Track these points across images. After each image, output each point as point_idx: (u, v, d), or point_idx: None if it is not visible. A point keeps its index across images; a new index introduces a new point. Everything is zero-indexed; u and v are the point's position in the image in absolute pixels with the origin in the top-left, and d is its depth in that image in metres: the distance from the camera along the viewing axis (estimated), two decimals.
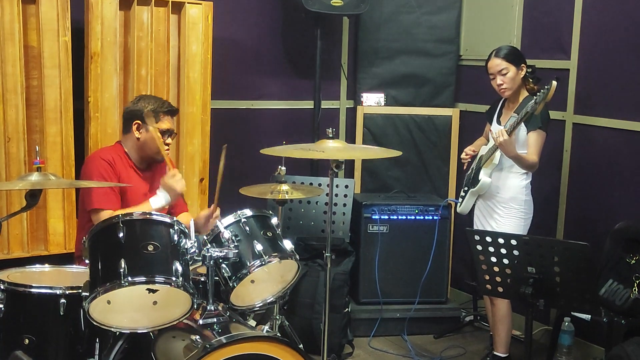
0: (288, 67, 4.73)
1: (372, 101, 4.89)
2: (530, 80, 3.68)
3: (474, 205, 3.90)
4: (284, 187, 3.46)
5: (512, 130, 3.49)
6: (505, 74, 3.62)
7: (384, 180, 4.88)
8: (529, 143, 3.57)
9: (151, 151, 3.35)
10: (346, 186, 4.37)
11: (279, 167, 3.53)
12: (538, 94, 3.42)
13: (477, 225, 3.85)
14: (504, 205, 3.69)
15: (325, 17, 4.46)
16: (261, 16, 4.58)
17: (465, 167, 4.01)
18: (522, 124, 3.56)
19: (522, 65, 3.65)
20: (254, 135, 4.63)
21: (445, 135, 4.86)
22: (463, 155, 3.91)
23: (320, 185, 4.30)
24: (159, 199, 3.22)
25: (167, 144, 3.38)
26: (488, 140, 4.00)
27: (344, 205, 4.35)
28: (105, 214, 3.11)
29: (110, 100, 3.83)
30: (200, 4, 4.02)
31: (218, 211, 3.32)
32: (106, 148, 3.46)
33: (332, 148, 3.07)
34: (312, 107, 4.67)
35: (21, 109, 3.61)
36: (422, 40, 4.84)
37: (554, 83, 3.35)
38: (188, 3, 3.99)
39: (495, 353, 3.81)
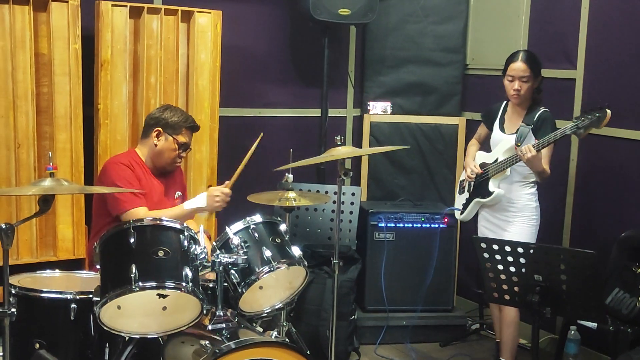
0: (295, 75, 4.77)
1: (379, 109, 4.92)
2: (536, 90, 3.70)
3: (476, 212, 3.93)
4: (291, 194, 3.49)
5: (542, 147, 3.47)
6: (526, 82, 3.62)
7: (390, 188, 4.91)
8: (542, 154, 3.57)
9: (165, 160, 3.41)
10: (353, 194, 4.39)
11: (286, 174, 3.56)
12: (582, 118, 3.35)
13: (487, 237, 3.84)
14: (516, 214, 3.72)
15: (332, 26, 4.50)
16: (269, 25, 4.63)
17: (463, 183, 4.03)
18: (533, 136, 3.59)
19: (539, 77, 3.67)
20: (262, 142, 4.62)
21: (452, 144, 4.89)
22: (470, 174, 3.87)
23: (327, 192, 4.33)
24: (195, 202, 3.27)
25: (181, 157, 3.43)
26: (480, 144, 4.03)
27: (351, 212, 4.37)
28: (141, 211, 3.17)
29: (119, 108, 3.87)
30: (210, 12, 4.07)
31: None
32: (122, 154, 3.50)
33: (342, 154, 3.10)
34: (319, 115, 4.70)
35: (31, 115, 3.66)
36: (429, 49, 4.87)
37: (609, 112, 3.28)
38: (197, 12, 4.04)
39: (501, 359, 3.82)
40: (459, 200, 4.04)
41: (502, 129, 3.82)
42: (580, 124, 3.36)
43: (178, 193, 3.54)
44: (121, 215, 3.23)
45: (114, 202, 3.24)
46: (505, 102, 3.86)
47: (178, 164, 3.49)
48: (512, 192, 3.73)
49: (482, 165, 3.84)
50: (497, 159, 3.75)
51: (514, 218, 3.73)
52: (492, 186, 3.75)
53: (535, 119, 3.64)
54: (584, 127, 3.35)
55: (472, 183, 3.89)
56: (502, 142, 3.76)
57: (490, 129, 3.91)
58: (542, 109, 3.67)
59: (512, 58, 3.68)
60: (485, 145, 4.01)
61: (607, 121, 3.31)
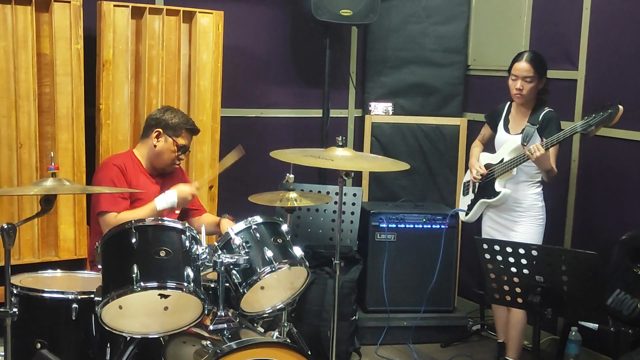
0: (297, 76, 4.78)
1: (380, 110, 4.93)
2: (542, 91, 3.71)
3: (481, 214, 3.93)
4: (293, 194, 3.49)
5: (551, 146, 3.49)
6: (529, 82, 3.63)
7: (392, 188, 4.91)
8: (549, 153, 3.58)
9: (164, 161, 3.42)
10: (354, 194, 4.40)
11: (287, 174, 3.56)
12: (593, 115, 3.35)
13: (493, 237, 3.84)
14: (523, 214, 3.73)
15: (334, 26, 4.50)
16: (271, 25, 4.63)
17: (467, 184, 4.03)
18: (538, 135, 3.59)
19: (544, 78, 3.68)
20: (263, 143, 4.65)
21: (453, 145, 4.89)
22: (476, 176, 3.87)
23: (328, 193, 4.33)
24: (165, 199, 3.26)
25: (180, 159, 3.44)
26: (484, 145, 4.03)
27: (352, 213, 4.37)
28: (112, 216, 3.17)
29: (121, 108, 3.87)
30: (211, 13, 4.07)
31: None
32: (118, 154, 3.51)
33: (341, 157, 3.10)
34: (321, 115, 4.71)
35: (33, 115, 3.66)
36: (430, 50, 4.88)
37: (621, 108, 3.29)
38: (199, 12, 4.04)
39: (507, 358, 3.82)
40: (464, 201, 4.04)
41: (506, 130, 3.82)
42: (592, 121, 3.35)
43: None
44: (98, 214, 3.26)
45: (96, 201, 3.28)
46: (509, 102, 3.86)
47: (177, 166, 3.50)
48: (518, 192, 3.73)
49: (487, 166, 3.84)
50: (502, 159, 3.75)
51: (520, 218, 3.73)
52: (498, 186, 3.75)
53: (540, 119, 3.64)
54: (595, 124, 3.35)
55: (477, 184, 3.89)
56: (508, 142, 3.76)
57: (495, 130, 3.91)
58: (547, 109, 3.68)
59: (517, 58, 3.70)
60: (488, 147, 4.02)
61: (619, 117, 3.30)
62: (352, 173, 3.13)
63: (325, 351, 3.85)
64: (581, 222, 4.17)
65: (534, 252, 2.91)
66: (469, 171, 4.01)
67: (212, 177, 3.43)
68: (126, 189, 3.27)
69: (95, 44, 3.81)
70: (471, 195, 3.96)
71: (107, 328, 2.62)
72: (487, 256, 3.02)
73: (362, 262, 4.30)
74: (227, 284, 2.86)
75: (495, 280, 3.05)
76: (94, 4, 3.80)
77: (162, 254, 2.64)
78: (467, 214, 3.98)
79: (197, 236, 2.79)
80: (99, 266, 2.70)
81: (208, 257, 2.75)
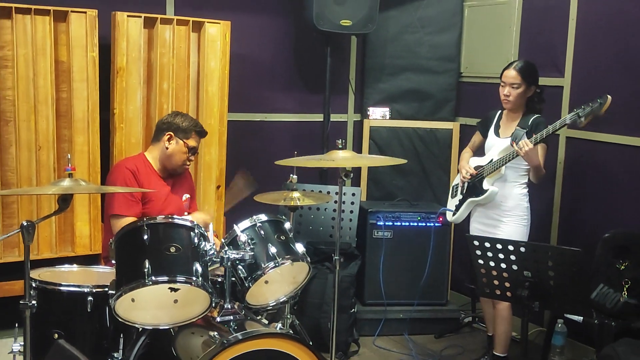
0: (299, 82, 4.79)
1: (378, 115, 4.94)
2: (535, 99, 3.71)
3: (468, 214, 3.93)
4: (296, 194, 3.50)
5: (540, 140, 3.48)
6: (515, 88, 3.64)
7: (389, 189, 4.92)
8: (538, 154, 3.59)
9: (175, 162, 3.42)
10: (353, 194, 4.40)
11: (291, 175, 3.57)
12: (583, 107, 3.34)
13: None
14: (509, 213, 3.71)
15: (334, 36, 4.52)
16: (275, 35, 4.65)
17: (456, 187, 4.03)
18: (527, 138, 3.59)
19: (533, 86, 3.67)
20: (267, 145, 4.68)
21: (446, 147, 4.90)
22: (465, 175, 3.85)
23: (329, 193, 4.35)
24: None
25: (190, 160, 3.45)
26: (474, 151, 4.03)
27: (351, 212, 4.38)
28: (126, 221, 3.15)
29: (134, 112, 3.89)
30: (219, 23, 4.09)
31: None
32: (130, 158, 3.51)
33: (342, 157, 3.11)
34: (322, 119, 4.72)
35: (51, 119, 3.68)
36: (425, 58, 4.89)
37: (609, 98, 3.28)
38: (208, 22, 4.06)
39: (494, 353, 3.82)
40: (452, 203, 4.02)
41: (497, 134, 3.82)
42: (581, 112, 3.34)
43: (186, 195, 3.55)
44: (111, 217, 3.25)
45: (110, 203, 3.28)
46: (500, 110, 3.86)
47: (187, 167, 3.51)
48: (505, 190, 3.70)
49: (476, 168, 3.84)
50: (491, 160, 3.75)
51: (506, 217, 3.71)
52: (486, 184, 3.74)
53: (529, 123, 3.64)
54: (584, 115, 3.33)
55: (466, 184, 3.88)
56: (497, 144, 3.75)
57: (485, 135, 3.90)
58: (536, 115, 3.67)
59: (507, 66, 3.71)
60: (478, 154, 4.01)
61: (607, 106, 3.28)
62: (352, 174, 3.14)
63: (325, 342, 3.86)
64: (566, 220, 4.18)
65: (522, 249, 2.91)
66: (458, 174, 4.00)
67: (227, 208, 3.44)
68: (139, 189, 3.28)
69: (109, 52, 3.83)
70: (459, 197, 3.95)
71: (120, 320, 2.64)
72: (478, 252, 3.03)
73: (360, 258, 4.31)
74: (233, 279, 2.88)
75: (486, 275, 3.06)
76: (109, 15, 3.82)
77: (172, 250, 2.65)
78: (454, 214, 3.96)
79: (205, 233, 2.81)
80: (113, 261, 2.72)
81: (215, 252, 2.77)
